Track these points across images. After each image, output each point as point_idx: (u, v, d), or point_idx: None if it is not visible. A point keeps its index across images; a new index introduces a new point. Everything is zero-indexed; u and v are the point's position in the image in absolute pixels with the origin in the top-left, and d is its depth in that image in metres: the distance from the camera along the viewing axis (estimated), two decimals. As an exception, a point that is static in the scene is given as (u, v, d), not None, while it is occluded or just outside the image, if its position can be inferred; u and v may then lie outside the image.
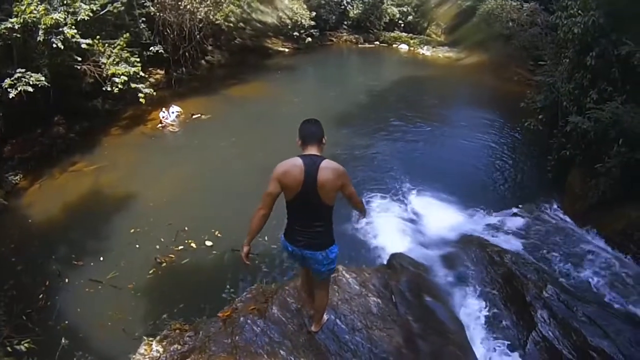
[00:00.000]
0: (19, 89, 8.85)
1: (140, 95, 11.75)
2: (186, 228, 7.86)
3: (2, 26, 8.81)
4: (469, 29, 20.73)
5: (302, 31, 21.97)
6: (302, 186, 3.24)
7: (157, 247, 7.49)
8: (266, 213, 3.36)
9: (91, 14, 10.23)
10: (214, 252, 7.38)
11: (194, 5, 14.94)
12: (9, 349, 4.62)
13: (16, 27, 8.93)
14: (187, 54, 16.34)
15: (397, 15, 25.92)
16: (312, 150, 3.36)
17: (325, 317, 4.16)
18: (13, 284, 6.45)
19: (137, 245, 7.54)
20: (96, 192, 9.32)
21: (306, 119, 3.49)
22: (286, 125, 11.09)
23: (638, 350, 4.59)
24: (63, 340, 4.73)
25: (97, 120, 12.31)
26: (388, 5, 25.61)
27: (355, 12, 25.05)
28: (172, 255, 7.29)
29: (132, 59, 11.64)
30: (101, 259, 7.31)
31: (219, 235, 7.67)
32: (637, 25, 7.20)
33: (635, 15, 7.26)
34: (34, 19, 9.13)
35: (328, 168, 3.25)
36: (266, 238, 7.15)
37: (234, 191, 8.92)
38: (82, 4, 10.20)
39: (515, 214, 8.15)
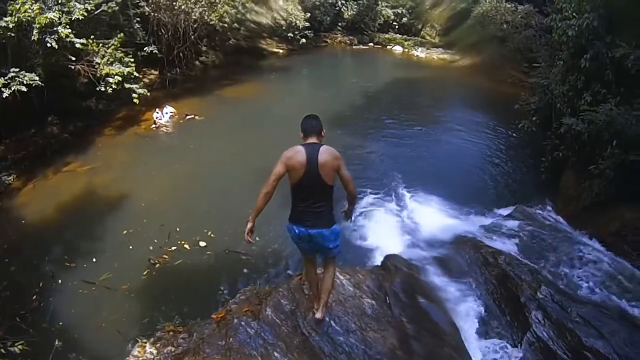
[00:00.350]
0: (12, 88, 8.79)
1: (134, 95, 11.69)
2: (178, 229, 7.80)
3: (-3, 25, 8.76)
4: (464, 30, 20.84)
5: (296, 32, 21.96)
6: (305, 168, 3.63)
7: (151, 248, 7.45)
8: (269, 191, 3.65)
9: (86, 14, 10.17)
10: (208, 252, 7.32)
11: (189, 5, 14.88)
12: (2, 350, 4.59)
13: (10, 26, 8.88)
14: (181, 54, 16.30)
15: (392, 17, 26.02)
16: (312, 141, 3.76)
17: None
18: (6, 285, 6.44)
19: (131, 247, 7.49)
20: (89, 192, 9.26)
21: (307, 114, 3.89)
22: (280, 126, 11.21)
23: (632, 350, 4.61)
24: (57, 342, 4.72)
25: (90, 120, 12.24)
26: (383, 6, 25.72)
27: (349, 13, 25.11)
28: (166, 256, 7.25)
29: (126, 59, 11.60)
30: (94, 260, 7.26)
31: (212, 235, 7.61)
32: (631, 27, 7.25)
33: (629, 18, 7.31)
34: (29, 18, 9.08)
35: (326, 152, 3.69)
36: (257, 238, 7.13)
37: (227, 192, 8.90)
38: (76, 3, 10.16)
39: (509, 215, 8.15)
